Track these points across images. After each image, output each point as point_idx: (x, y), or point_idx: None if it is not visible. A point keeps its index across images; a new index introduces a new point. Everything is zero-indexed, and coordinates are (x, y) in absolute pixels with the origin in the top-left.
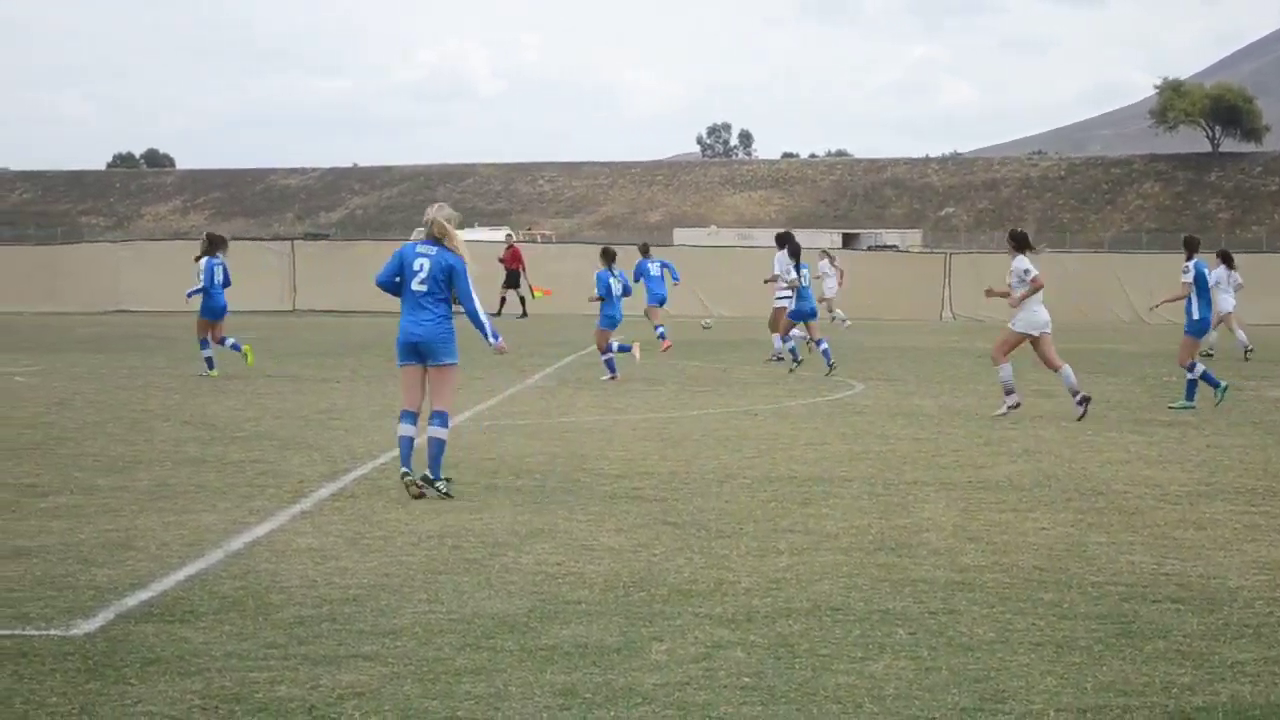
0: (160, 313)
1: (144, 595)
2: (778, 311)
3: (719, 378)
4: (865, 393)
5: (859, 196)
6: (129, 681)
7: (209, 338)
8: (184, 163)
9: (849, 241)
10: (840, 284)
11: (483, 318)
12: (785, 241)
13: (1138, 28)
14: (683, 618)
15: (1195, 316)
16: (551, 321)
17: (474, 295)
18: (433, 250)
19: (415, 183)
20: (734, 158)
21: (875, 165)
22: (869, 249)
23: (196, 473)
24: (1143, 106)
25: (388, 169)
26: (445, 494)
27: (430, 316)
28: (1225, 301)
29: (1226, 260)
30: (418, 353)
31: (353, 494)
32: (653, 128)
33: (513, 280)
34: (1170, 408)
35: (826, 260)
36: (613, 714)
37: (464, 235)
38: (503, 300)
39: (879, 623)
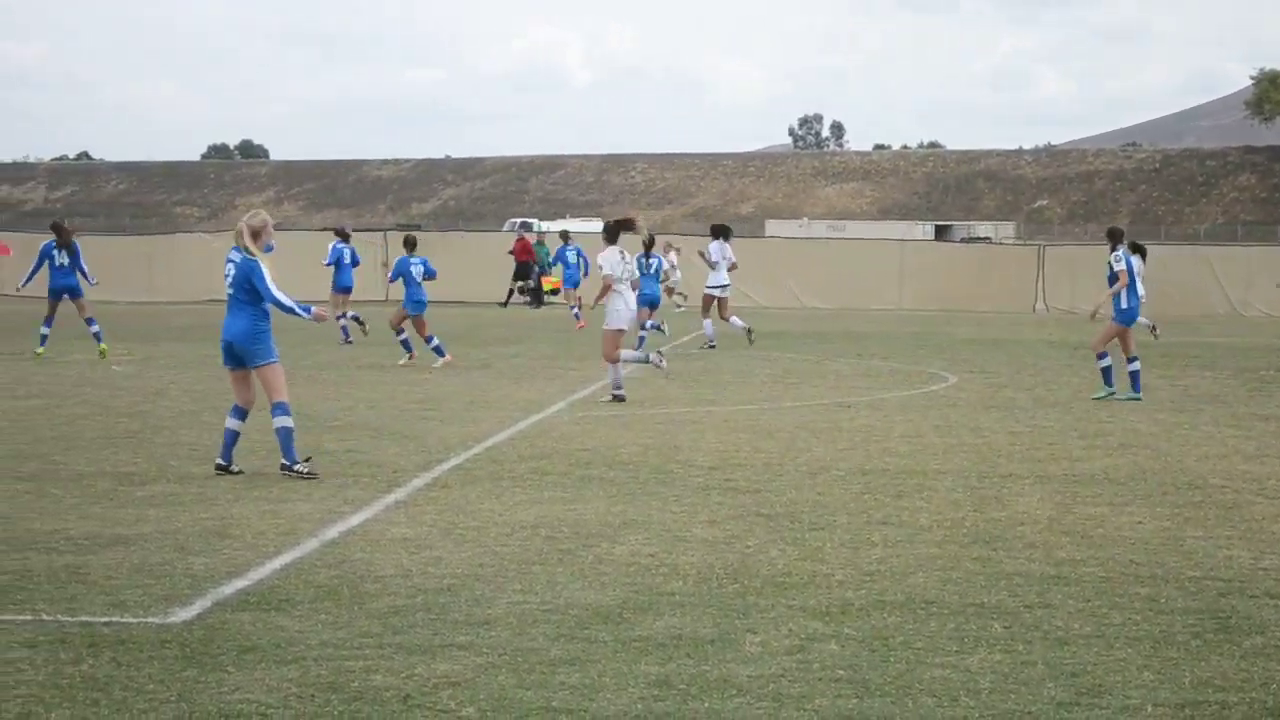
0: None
1: (240, 583)
2: (707, 299)
3: (812, 370)
4: (959, 385)
5: (951, 188)
6: (226, 669)
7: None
8: (278, 154)
9: (941, 233)
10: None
11: (288, 302)
12: (720, 232)
13: (1234, 18)
14: (776, 610)
15: (1124, 306)
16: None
17: (272, 288)
18: (238, 256)
19: (507, 174)
20: (826, 149)
21: (968, 157)
22: (961, 241)
23: None
24: (1239, 98)
25: (480, 160)
26: (308, 475)
27: (239, 320)
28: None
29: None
30: (233, 354)
31: (446, 484)
32: (744, 119)
33: (522, 272)
34: (1094, 398)
35: (674, 252)
36: (707, 705)
37: (557, 226)
38: (510, 292)
39: (974, 616)
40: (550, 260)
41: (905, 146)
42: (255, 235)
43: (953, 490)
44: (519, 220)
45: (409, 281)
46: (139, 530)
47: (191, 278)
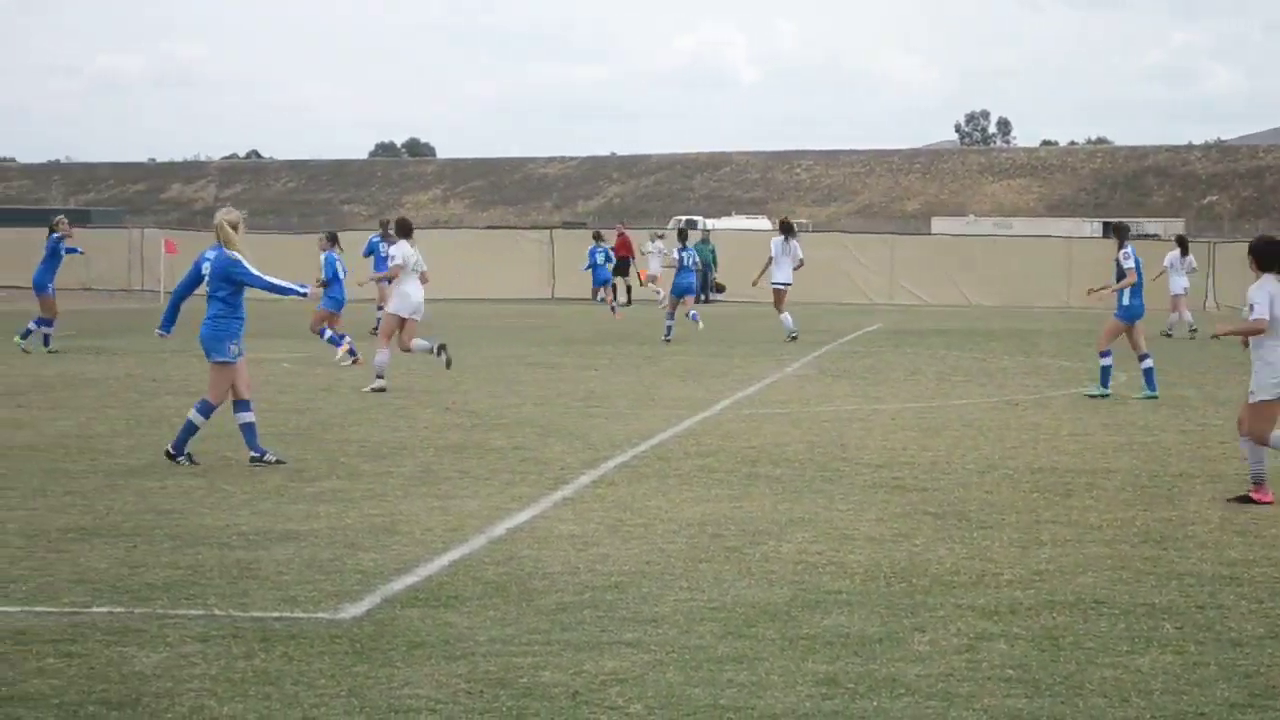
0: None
1: (409, 580)
2: (777, 293)
3: (979, 368)
4: (1128, 383)
5: (1120, 184)
6: (395, 664)
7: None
8: (444, 151)
9: (1109, 230)
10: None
11: (277, 283)
12: (786, 229)
13: None
14: (945, 609)
15: (1126, 303)
16: (806, 310)
17: (257, 274)
18: (213, 254)
19: (672, 171)
20: (992, 145)
21: (1136, 153)
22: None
23: (459, 459)
24: None
25: (645, 157)
26: (277, 461)
27: (209, 317)
28: (1177, 284)
29: (1182, 245)
30: (203, 347)
31: (613, 481)
32: (910, 115)
33: (622, 268)
34: (1088, 395)
35: (658, 241)
36: (875, 704)
37: (722, 224)
38: (614, 288)
39: (1144, 616)
40: (713, 257)
41: (1073, 143)
42: (235, 228)
43: (1122, 489)
44: (684, 218)
45: (335, 279)
46: (309, 526)
47: (363, 275)
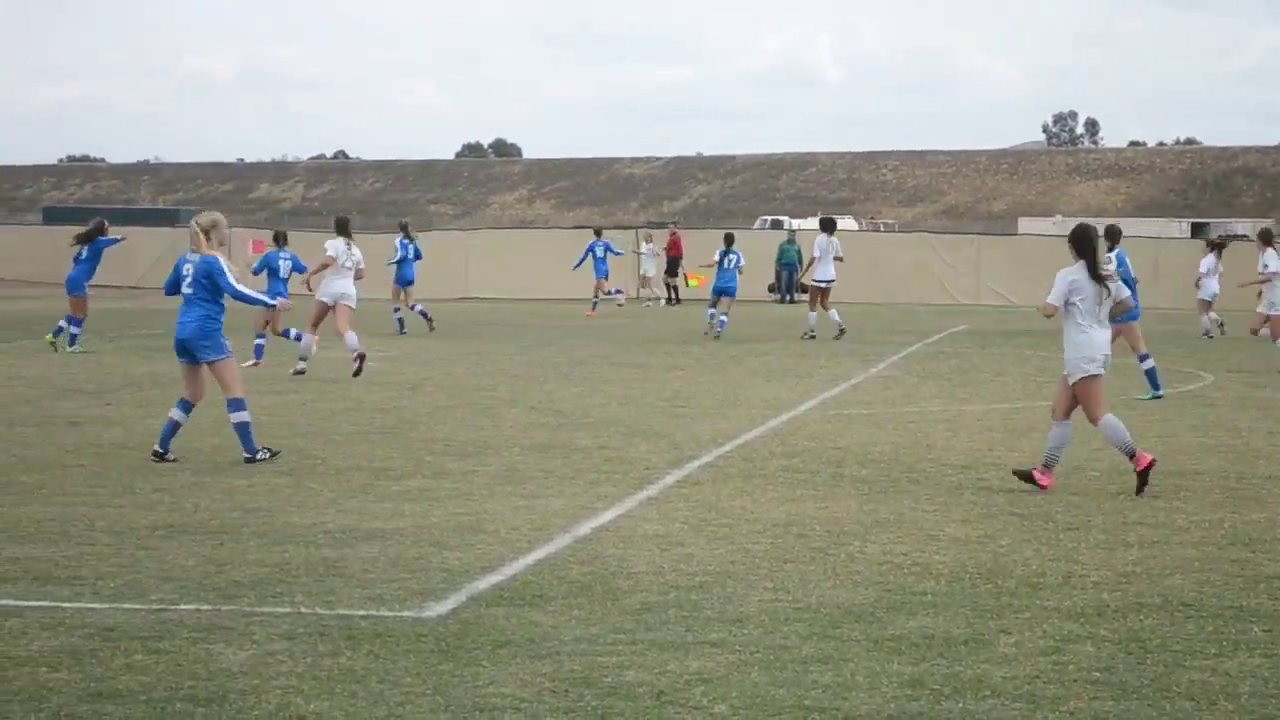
0: (506, 300)
1: (494, 578)
2: (814, 291)
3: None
4: (1215, 384)
5: (1209, 185)
6: (480, 663)
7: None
8: (531, 152)
9: (1197, 231)
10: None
11: (249, 293)
12: (827, 226)
13: None
14: (1031, 611)
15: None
16: (891, 311)
17: (233, 283)
18: (195, 257)
19: (758, 171)
20: (1079, 146)
21: (1226, 153)
22: (1219, 239)
23: (544, 458)
24: None
25: (730, 158)
26: (273, 454)
27: (193, 317)
28: (1210, 286)
29: (1217, 249)
30: (186, 350)
31: (698, 481)
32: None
33: (672, 268)
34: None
35: (649, 244)
36: (961, 706)
37: (808, 224)
38: (672, 289)
39: (1233, 619)
40: (798, 257)
41: (1161, 143)
42: (207, 233)
43: (1210, 491)
44: (769, 218)
45: (274, 276)
46: (395, 525)
47: (445, 276)
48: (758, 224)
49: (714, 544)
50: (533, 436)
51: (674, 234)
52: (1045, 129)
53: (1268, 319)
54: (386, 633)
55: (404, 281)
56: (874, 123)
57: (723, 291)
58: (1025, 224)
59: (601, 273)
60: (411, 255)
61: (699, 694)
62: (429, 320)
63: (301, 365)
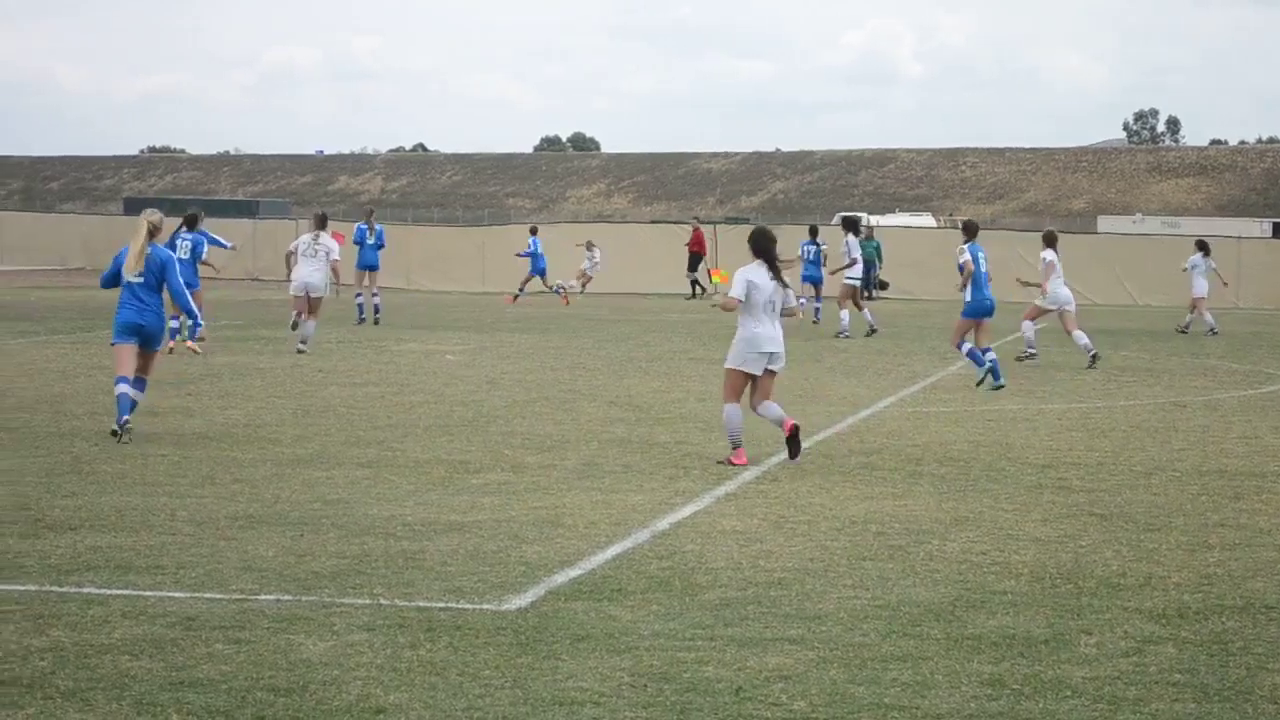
0: (584, 294)
1: (573, 572)
2: (846, 289)
3: (1146, 368)
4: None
5: None
6: (559, 657)
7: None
8: (609, 146)
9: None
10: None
11: (189, 300)
12: (851, 226)
13: None
14: (1111, 611)
15: (968, 299)
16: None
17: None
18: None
19: (836, 168)
20: (1160, 144)
21: None
22: None
23: (623, 453)
24: None
25: (809, 154)
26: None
27: (156, 307)
28: (1200, 286)
29: (1204, 248)
30: (141, 335)
31: (776, 477)
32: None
33: (694, 263)
34: (979, 387)
35: (594, 250)
36: (1041, 706)
37: (886, 221)
38: (694, 285)
39: None
40: (876, 254)
41: (1243, 142)
42: (154, 233)
43: None
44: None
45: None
46: (474, 518)
47: (523, 269)
48: (835, 220)
49: (792, 541)
50: (611, 431)
51: (696, 229)
52: (1126, 127)
53: None
54: (466, 625)
55: (365, 266)
56: (954, 119)
57: (806, 279)
58: (1105, 222)
59: (538, 269)
60: (372, 241)
61: (778, 690)
62: (376, 315)
63: (301, 347)
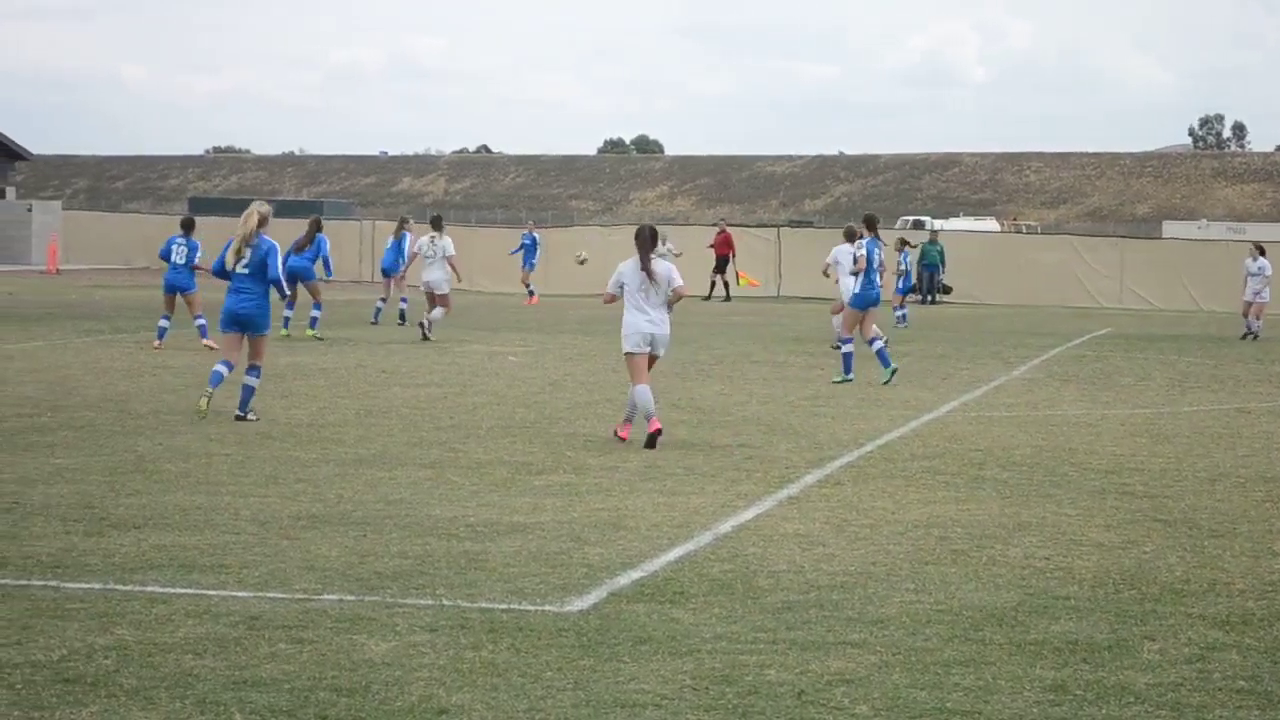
0: None
1: (635, 575)
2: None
3: (1210, 374)
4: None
5: None
6: (621, 659)
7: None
8: (672, 149)
9: None
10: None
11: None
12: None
13: None
14: (1175, 617)
15: (858, 290)
16: (1036, 313)
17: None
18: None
19: (900, 171)
20: (1226, 149)
21: None
22: None
23: (685, 455)
24: None
25: (873, 157)
26: (247, 420)
27: (261, 295)
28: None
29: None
30: (239, 323)
31: (839, 481)
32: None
33: (721, 265)
34: (834, 382)
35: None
36: (1104, 712)
37: (949, 225)
38: (712, 285)
39: None
40: (940, 258)
41: None
42: (263, 223)
43: None
44: (911, 218)
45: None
46: (536, 519)
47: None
48: (899, 224)
49: (855, 544)
50: (674, 434)
51: (723, 231)
52: (1191, 132)
53: None
54: (528, 626)
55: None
56: (1018, 122)
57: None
58: (1170, 227)
59: (530, 265)
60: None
61: (840, 694)
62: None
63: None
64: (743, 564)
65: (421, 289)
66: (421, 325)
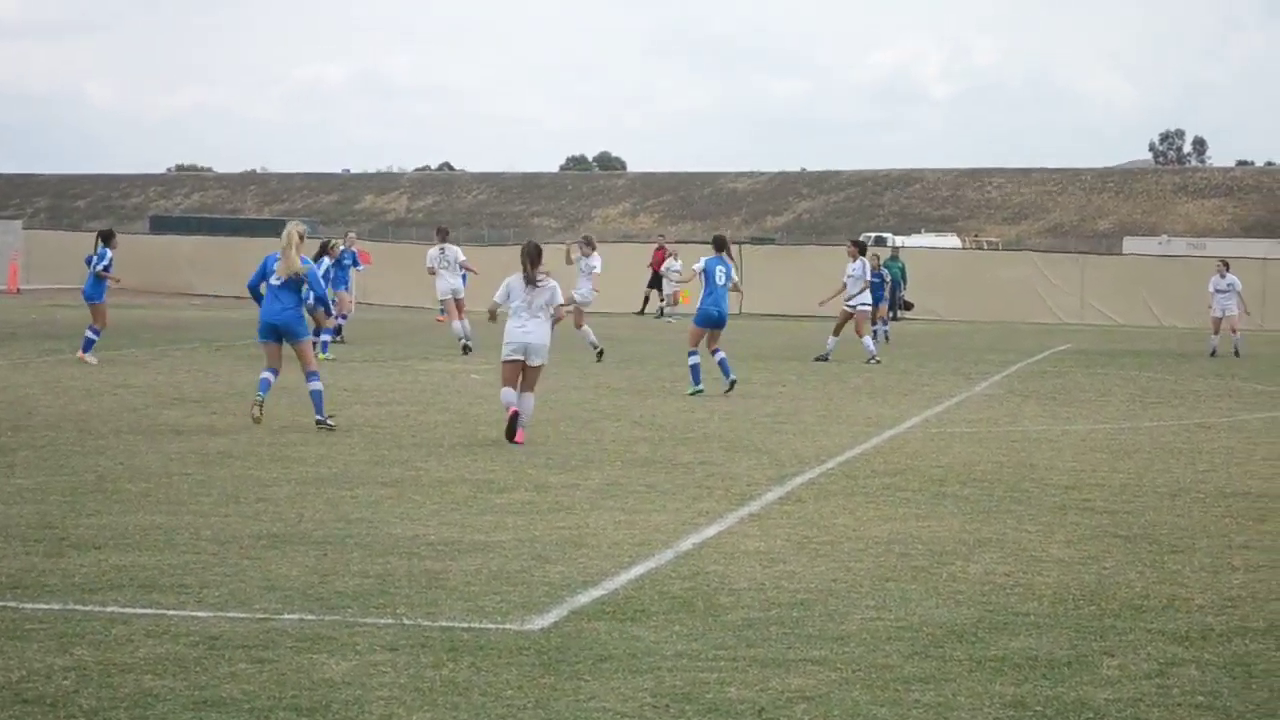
0: (607, 314)
1: (596, 593)
2: (846, 315)
3: (1171, 389)
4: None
5: None
6: (583, 677)
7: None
8: (635, 165)
9: None
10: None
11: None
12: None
13: None
14: (1134, 633)
15: (700, 307)
16: (997, 329)
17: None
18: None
19: (862, 188)
20: (1187, 165)
21: None
22: None
23: (646, 473)
24: None
25: (835, 173)
26: (329, 427)
27: (293, 305)
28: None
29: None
30: (276, 332)
31: (800, 498)
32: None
33: (656, 281)
34: (688, 394)
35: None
36: None
37: (911, 241)
38: (645, 299)
39: None
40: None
41: (1270, 163)
42: (300, 241)
43: None
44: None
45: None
46: (497, 537)
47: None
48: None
49: (816, 561)
50: (635, 451)
51: (660, 248)
52: (1152, 147)
53: None
54: (489, 645)
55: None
56: (980, 139)
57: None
58: (1130, 243)
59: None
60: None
61: (800, 711)
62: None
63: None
64: (704, 581)
65: (442, 299)
66: (465, 343)
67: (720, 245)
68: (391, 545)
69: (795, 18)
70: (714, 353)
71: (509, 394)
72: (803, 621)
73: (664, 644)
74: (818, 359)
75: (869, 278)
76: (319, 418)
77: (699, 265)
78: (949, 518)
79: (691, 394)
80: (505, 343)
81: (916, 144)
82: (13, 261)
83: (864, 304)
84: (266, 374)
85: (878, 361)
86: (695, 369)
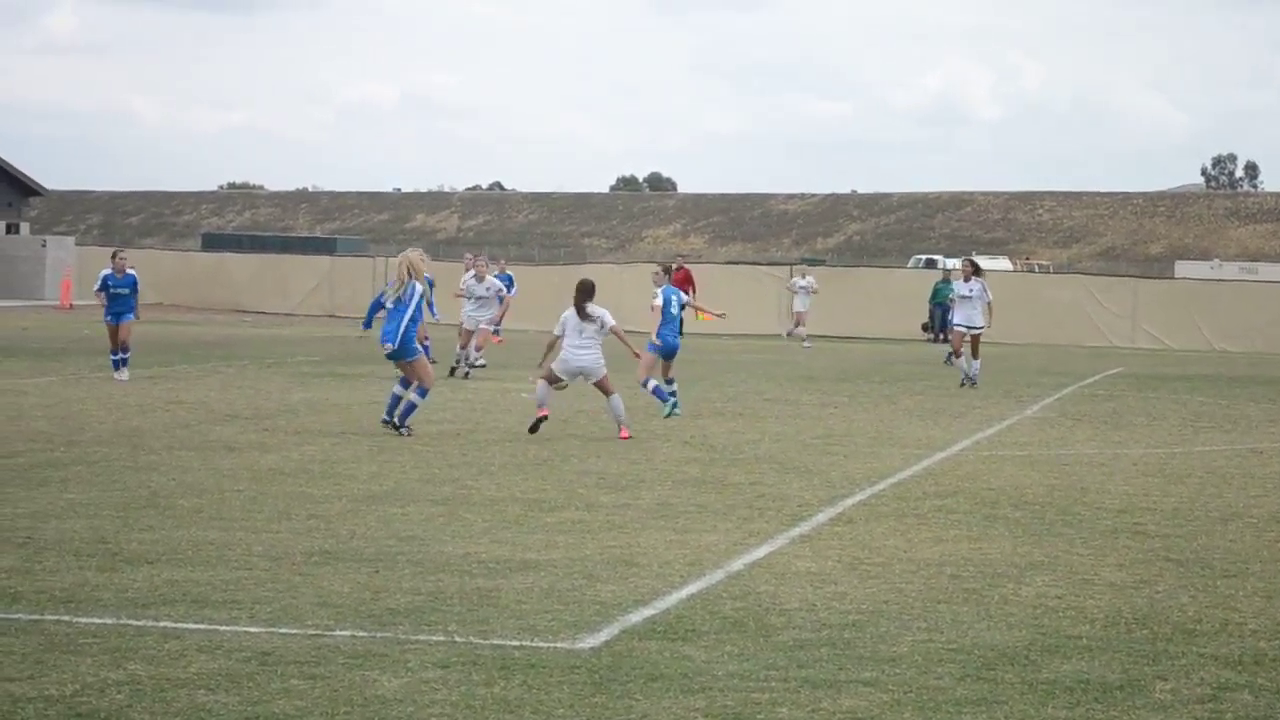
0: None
1: (647, 612)
2: (960, 336)
3: (1223, 414)
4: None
5: None
6: (633, 697)
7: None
8: (685, 186)
9: None
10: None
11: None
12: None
13: None
14: (1187, 657)
15: (656, 340)
16: (1049, 352)
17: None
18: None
19: (913, 210)
20: (1239, 189)
21: None
22: None
23: (697, 493)
24: None
25: (885, 195)
26: (396, 430)
27: (406, 326)
28: None
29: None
30: (390, 351)
31: (851, 519)
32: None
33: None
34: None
35: (803, 280)
36: None
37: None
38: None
39: None
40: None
41: None
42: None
43: None
44: (924, 257)
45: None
46: (548, 556)
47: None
48: (911, 263)
49: (867, 582)
50: (686, 471)
51: (680, 269)
52: (1204, 171)
53: None
54: (540, 663)
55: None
56: (1031, 162)
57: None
58: (1182, 267)
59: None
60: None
61: None
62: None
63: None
64: (755, 602)
65: (469, 326)
66: (472, 364)
67: (669, 272)
68: (443, 563)
69: (840, 39)
70: (669, 382)
71: (544, 390)
72: (854, 643)
73: (715, 664)
74: (962, 385)
75: (988, 299)
76: (398, 423)
77: (657, 300)
78: (1000, 540)
79: (667, 416)
80: (562, 367)
81: (964, 166)
82: (66, 278)
83: (976, 326)
84: (397, 387)
85: (973, 384)
86: (658, 391)
